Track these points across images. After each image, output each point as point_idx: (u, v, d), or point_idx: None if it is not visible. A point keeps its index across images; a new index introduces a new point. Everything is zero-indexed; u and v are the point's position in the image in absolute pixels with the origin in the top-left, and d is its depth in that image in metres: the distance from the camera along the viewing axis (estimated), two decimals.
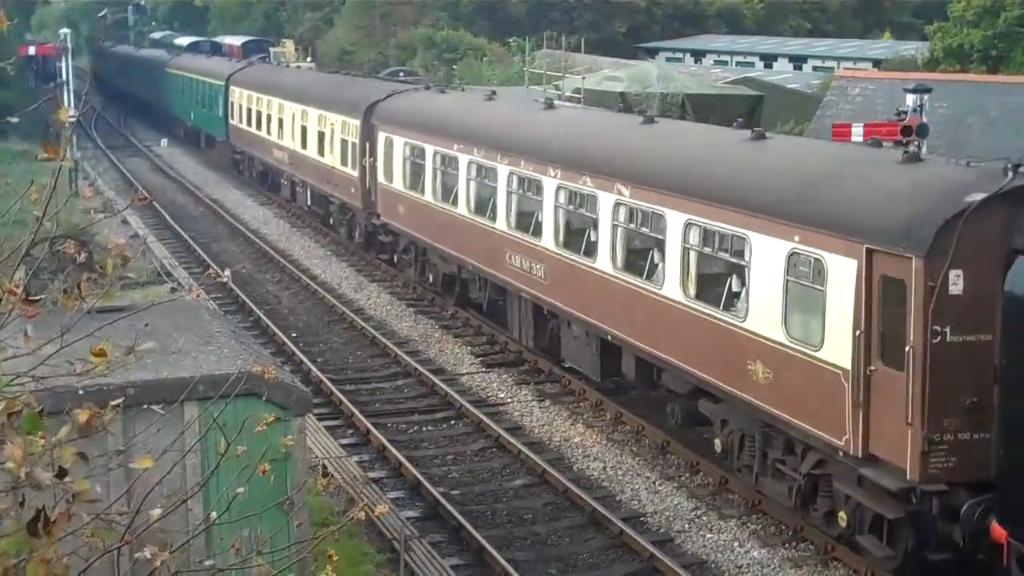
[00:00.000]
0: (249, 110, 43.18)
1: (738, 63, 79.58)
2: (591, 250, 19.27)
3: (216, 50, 68.00)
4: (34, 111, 7.16)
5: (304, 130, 35.65)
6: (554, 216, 20.35)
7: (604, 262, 18.76)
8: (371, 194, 29.53)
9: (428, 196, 25.78)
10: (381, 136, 28.50)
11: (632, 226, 18.22)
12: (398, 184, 27.51)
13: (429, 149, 25.59)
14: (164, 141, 59.15)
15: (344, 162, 31.56)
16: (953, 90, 30.10)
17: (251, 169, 45.12)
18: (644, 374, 18.51)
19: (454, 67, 61.75)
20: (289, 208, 40.15)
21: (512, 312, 22.78)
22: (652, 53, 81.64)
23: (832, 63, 71.48)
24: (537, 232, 20.90)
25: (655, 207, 17.42)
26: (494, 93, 28.03)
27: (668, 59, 77.30)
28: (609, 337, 18.78)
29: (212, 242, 35.40)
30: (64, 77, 46.42)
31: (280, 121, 38.61)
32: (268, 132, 40.28)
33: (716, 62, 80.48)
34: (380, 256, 30.91)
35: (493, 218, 22.58)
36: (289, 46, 68.18)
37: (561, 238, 20.28)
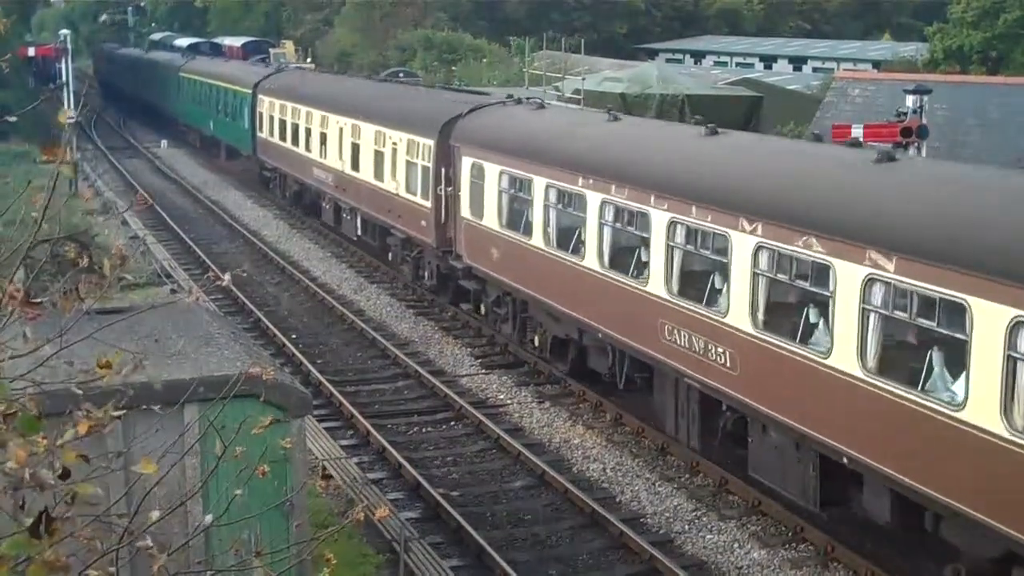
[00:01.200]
0: (282, 122, 38.19)
1: (738, 64, 79.66)
2: (818, 338, 14.20)
3: (216, 51, 67.61)
4: (33, 112, 7.16)
5: (356, 148, 30.67)
6: (751, 285, 15.07)
7: (843, 355, 13.51)
8: (448, 230, 24.67)
9: (536, 240, 20.78)
10: (465, 161, 23.52)
11: (893, 311, 13.01)
12: (490, 222, 22.49)
13: (539, 182, 20.54)
14: (164, 142, 59.04)
15: (411, 189, 26.53)
16: (953, 91, 30.10)
17: (284, 188, 40.12)
18: (903, 516, 13.48)
19: (454, 68, 61.76)
20: (327, 233, 35.97)
21: (666, 398, 18.00)
22: (652, 54, 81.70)
23: (832, 64, 71.53)
24: (717, 303, 15.93)
25: (945, 291, 12.17)
26: (612, 111, 22.48)
27: (668, 60, 77.34)
28: (845, 460, 13.70)
29: (212, 243, 35.40)
30: (64, 78, 46.39)
31: (323, 136, 33.64)
32: (307, 148, 35.45)
33: (716, 63, 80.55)
34: (460, 304, 25.68)
35: (642, 277, 17.56)
36: (289, 47, 68.24)
37: (761, 316, 15.05)
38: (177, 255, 33.29)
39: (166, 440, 7.66)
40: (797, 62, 79.61)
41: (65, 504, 4.07)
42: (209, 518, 6.13)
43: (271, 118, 39.70)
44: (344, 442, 18.89)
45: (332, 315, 26.98)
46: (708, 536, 15.70)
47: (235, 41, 72.24)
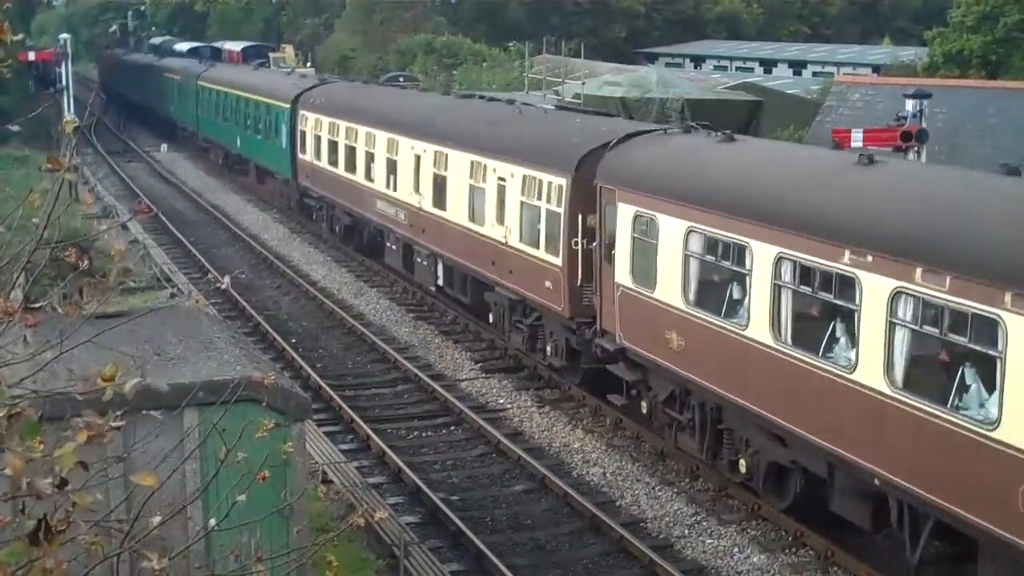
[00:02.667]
0: (332, 144, 32.59)
1: (738, 68, 79.73)
2: None
3: (216, 55, 67.46)
4: (34, 116, 7.18)
5: (440, 181, 25.01)
6: None
7: None
8: (587, 296, 19.56)
9: (756, 331, 14.91)
10: (624, 210, 17.97)
11: None
12: (668, 295, 16.79)
13: (762, 251, 14.72)
14: (164, 146, 59.00)
15: (529, 239, 21.17)
16: (952, 96, 30.10)
17: (332, 221, 34.03)
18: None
19: (454, 72, 61.79)
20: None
21: None
22: (652, 58, 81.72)
23: (831, 68, 71.57)
24: None
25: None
26: (865, 154, 15.44)
27: (668, 64, 77.30)
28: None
29: (212, 247, 35.39)
30: (64, 82, 46.39)
31: (391, 164, 27.93)
32: (367, 176, 29.77)
33: (716, 67, 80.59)
34: (605, 396, 19.81)
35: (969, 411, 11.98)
36: (289, 51, 68.28)
37: None
38: (177, 259, 33.28)
39: (166, 445, 7.66)
40: (797, 66, 79.66)
41: (65, 511, 4.06)
42: (213, 522, 6.13)
43: (317, 138, 33.98)
44: (344, 446, 18.88)
45: (332, 319, 26.97)
46: (708, 541, 15.69)
47: (235, 45, 72.19)
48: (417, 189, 26.22)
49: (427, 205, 25.72)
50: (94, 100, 65.96)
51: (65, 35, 50.91)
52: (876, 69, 61.65)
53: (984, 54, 41.48)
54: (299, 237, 36.61)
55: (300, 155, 35.79)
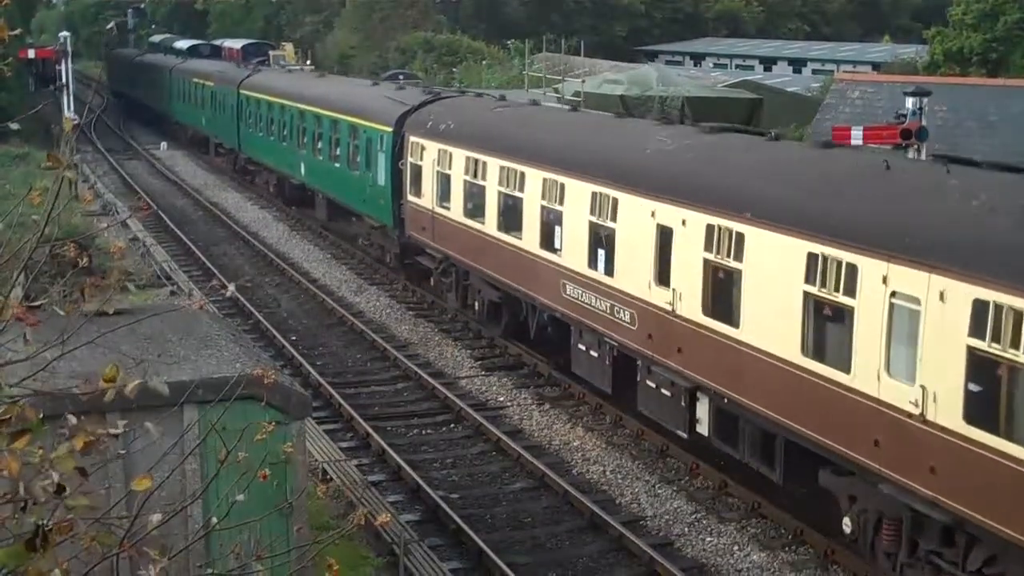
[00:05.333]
0: (472, 189, 23.40)
1: (738, 66, 79.74)
2: None
3: (216, 53, 67.16)
4: (34, 113, 7.16)
5: (725, 277, 15.88)
6: None
7: None
8: None
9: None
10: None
11: None
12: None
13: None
14: (164, 144, 58.92)
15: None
16: (953, 93, 30.08)
17: (464, 291, 24.80)
18: None
19: (454, 70, 61.80)
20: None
21: None
22: (652, 56, 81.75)
23: (831, 66, 71.58)
24: None
25: None
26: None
27: (668, 62, 77.34)
28: None
29: (212, 245, 35.36)
30: (64, 80, 46.36)
31: (599, 233, 18.70)
32: (546, 245, 20.43)
33: (716, 65, 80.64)
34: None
35: None
36: (289, 49, 68.21)
37: None
38: (177, 257, 33.26)
39: (166, 443, 7.65)
40: (797, 64, 79.70)
41: (65, 510, 4.06)
42: (214, 520, 6.13)
43: (442, 178, 24.80)
44: (344, 444, 18.89)
45: (332, 317, 26.96)
46: (708, 538, 15.69)
47: (235, 43, 72.10)
48: (664, 281, 16.93)
49: (689, 310, 16.34)
50: (94, 99, 65.17)
51: (65, 33, 50.88)
52: (876, 67, 61.65)
53: (984, 52, 41.45)
54: (299, 235, 36.59)
55: (410, 197, 26.38)
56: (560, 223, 20.03)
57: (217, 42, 74.66)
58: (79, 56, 77.76)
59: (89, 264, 5.42)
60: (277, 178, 40.27)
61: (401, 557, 14.33)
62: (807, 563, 14.91)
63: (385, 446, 18.61)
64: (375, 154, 28.76)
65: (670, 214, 16.71)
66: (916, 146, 22.33)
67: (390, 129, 27.52)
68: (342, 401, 20.68)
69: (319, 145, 34.28)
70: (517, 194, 21.45)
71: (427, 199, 25.50)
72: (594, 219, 18.80)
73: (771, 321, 14.61)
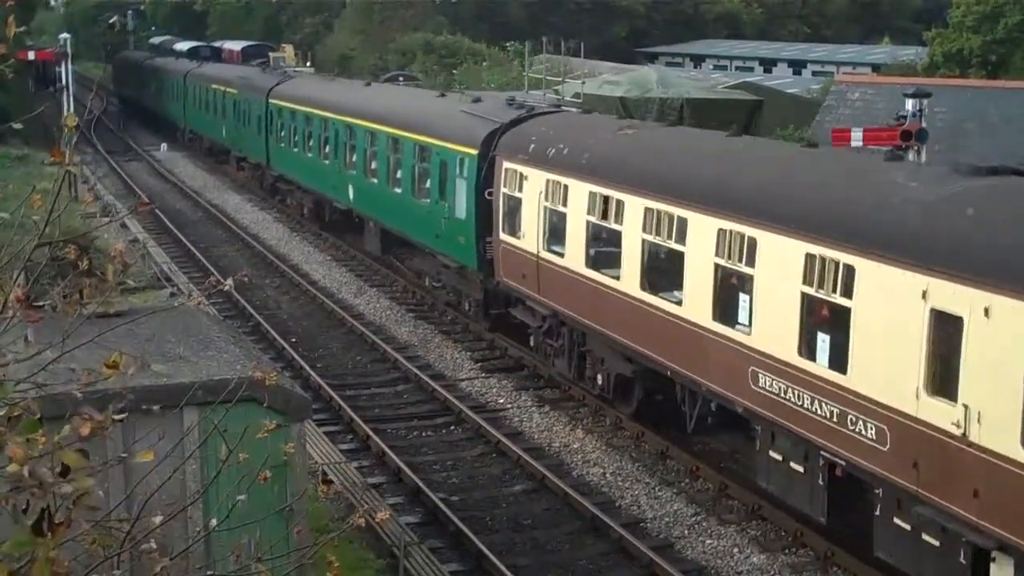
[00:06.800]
0: (596, 233, 18.84)
1: (738, 68, 79.81)
2: None
3: (215, 55, 67.04)
4: (32, 115, 7.17)
5: None
6: None
7: None
8: None
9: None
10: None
11: None
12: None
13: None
14: (164, 146, 58.90)
15: None
16: (952, 95, 30.09)
17: (577, 358, 20.21)
18: None
19: (454, 71, 61.80)
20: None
21: None
22: (652, 58, 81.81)
23: (831, 68, 71.64)
24: None
25: None
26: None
27: (668, 64, 77.38)
28: None
29: (211, 247, 35.36)
30: (64, 82, 46.36)
31: (826, 319, 13.85)
32: (724, 317, 15.54)
33: (716, 67, 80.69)
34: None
35: None
36: (289, 50, 68.21)
37: None
38: (177, 258, 33.26)
39: (166, 444, 7.64)
40: (797, 66, 79.74)
41: (66, 508, 4.06)
42: (214, 521, 6.12)
43: (550, 215, 20.21)
44: (344, 446, 18.88)
45: (332, 319, 26.95)
46: (708, 541, 15.69)
47: (235, 45, 72.08)
48: (946, 392, 11.92)
49: (993, 438, 11.35)
50: (95, 101, 64.87)
51: (65, 35, 50.88)
52: (876, 69, 61.64)
53: (984, 54, 41.50)
54: (299, 236, 36.57)
55: (504, 236, 21.83)
56: (748, 290, 14.92)
57: (217, 44, 74.70)
58: (79, 58, 77.75)
59: (89, 266, 5.41)
60: (314, 200, 35.82)
61: (401, 559, 14.32)
62: (807, 565, 14.90)
63: (385, 448, 18.60)
64: (452, 180, 24.02)
65: (956, 297, 11.67)
66: (916, 148, 22.33)
67: (474, 151, 22.91)
68: (342, 403, 20.67)
69: (373, 166, 29.46)
70: (672, 246, 16.64)
71: (529, 240, 20.76)
72: (810, 291, 13.78)
73: None
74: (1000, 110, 29.73)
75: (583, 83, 41.74)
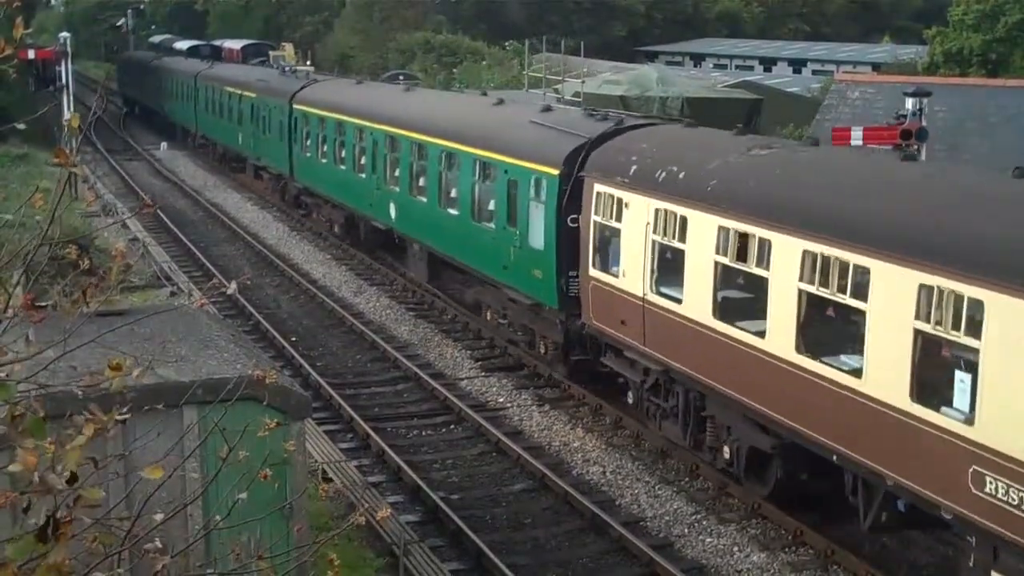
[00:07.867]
0: (728, 277, 15.72)
1: (737, 67, 79.82)
2: None
3: (216, 54, 66.89)
4: (32, 114, 7.19)
5: None
6: None
7: None
8: None
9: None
10: None
11: None
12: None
13: None
14: (164, 145, 58.87)
15: None
16: (953, 94, 30.09)
17: (695, 422, 17.04)
18: None
19: (454, 71, 61.83)
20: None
21: None
22: (652, 57, 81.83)
23: (831, 67, 71.67)
24: None
25: None
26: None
27: (667, 63, 77.39)
28: None
29: (212, 246, 35.36)
30: (64, 81, 46.35)
31: None
32: (925, 397, 12.00)
33: (716, 66, 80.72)
34: None
35: None
36: (289, 49, 68.23)
37: None
38: (177, 257, 33.26)
39: (166, 443, 7.66)
40: (797, 65, 79.78)
41: (67, 508, 4.07)
42: (217, 519, 6.14)
43: (660, 251, 17.15)
44: (344, 445, 18.89)
45: (332, 317, 26.96)
46: (708, 540, 15.70)
47: (235, 44, 72.07)
48: None
49: None
50: (99, 102, 64.58)
51: (65, 34, 50.87)
52: (876, 67, 61.67)
53: (984, 53, 41.48)
54: (299, 235, 36.57)
55: (595, 272, 18.75)
56: (968, 367, 11.51)
57: (217, 42, 74.69)
58: (78, 57, 77.72)
59: (90, 266, 5.42)
60: (346, 216, 32.30)
61: (401, 558, 14.33)
62: (807, 564, 14.91)
63: (385, 447, 18.62)
64: (524, 203, 20.81)
65: None
66: (916, 147, 22.34)
67: (555, 171, 19.62)
68: (342, 402, 20.68)
69: (421, 183, 26.01)
70: (847, 301, 13.18)
71: (632, 280, 17.50)
72: None
73: None
74: (1000, 109, 29.73)
75: (583, 82, 41.79)
